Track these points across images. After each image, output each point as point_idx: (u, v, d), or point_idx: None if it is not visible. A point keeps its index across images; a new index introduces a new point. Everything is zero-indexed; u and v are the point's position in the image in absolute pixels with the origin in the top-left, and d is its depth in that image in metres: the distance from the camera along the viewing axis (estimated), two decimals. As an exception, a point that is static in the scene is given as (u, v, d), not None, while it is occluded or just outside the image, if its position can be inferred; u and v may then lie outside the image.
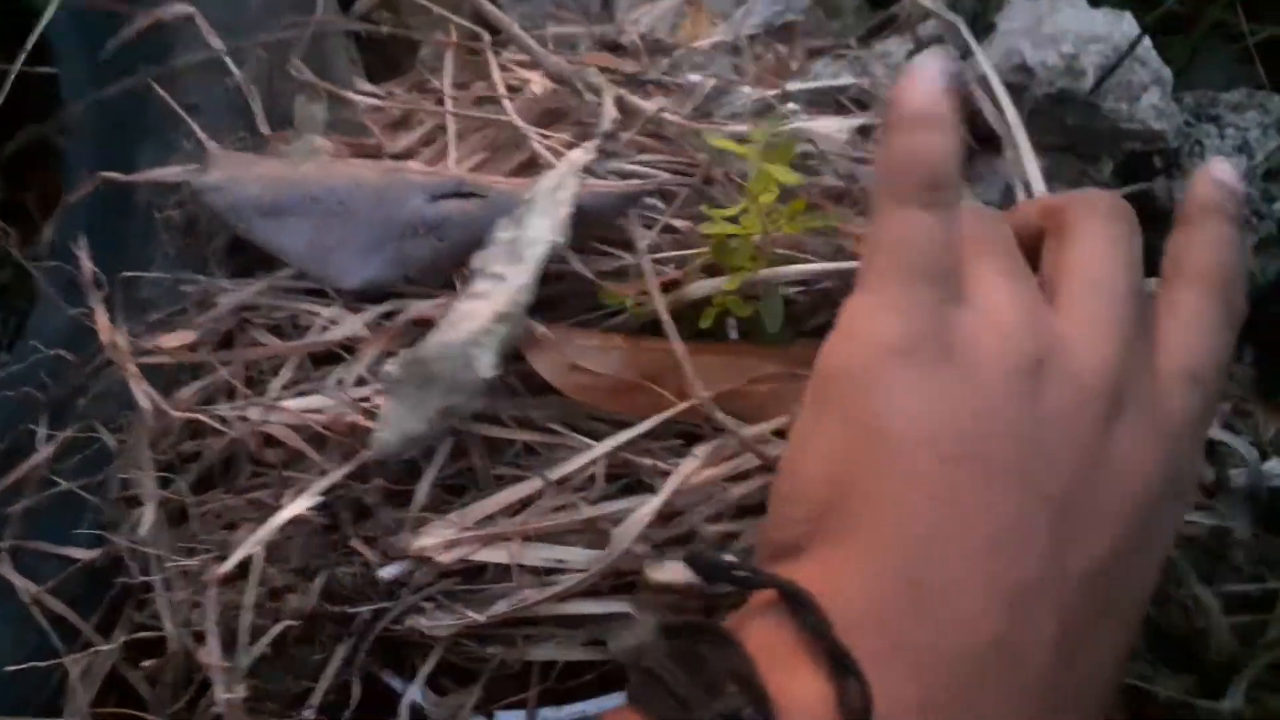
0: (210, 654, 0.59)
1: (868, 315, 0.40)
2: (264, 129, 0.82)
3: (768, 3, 0.91)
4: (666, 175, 0.68)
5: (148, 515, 0.67)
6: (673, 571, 0.56)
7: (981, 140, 0.74)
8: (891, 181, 0.40)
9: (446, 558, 0.58)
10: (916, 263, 0.39)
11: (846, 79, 0.87)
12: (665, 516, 0.58)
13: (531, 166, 0.75)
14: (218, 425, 0.66)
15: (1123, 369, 0.39)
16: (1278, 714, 0.66)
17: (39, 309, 0.82)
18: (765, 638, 0.36)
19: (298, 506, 0.59)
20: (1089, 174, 0.92)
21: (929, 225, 0.39)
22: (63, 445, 0.73)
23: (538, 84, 0.77)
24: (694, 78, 0.75)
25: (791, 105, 0.71)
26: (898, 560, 0.35)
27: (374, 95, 0.86)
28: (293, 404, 0.63)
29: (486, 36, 0.82)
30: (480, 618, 0.58)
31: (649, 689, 0.37)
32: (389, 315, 0.66)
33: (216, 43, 0.84)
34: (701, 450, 0.58)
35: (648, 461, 0.60)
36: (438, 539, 0.58)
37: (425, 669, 0.60)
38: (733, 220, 0.62)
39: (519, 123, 0.72)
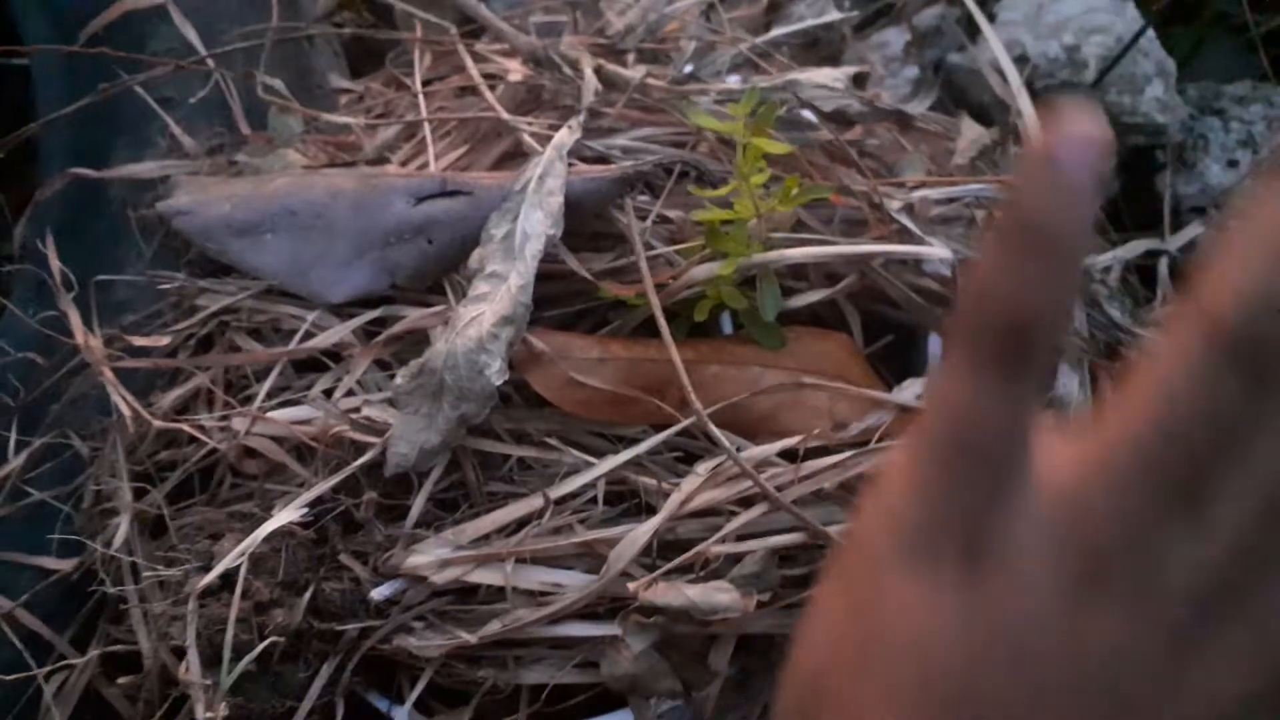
0: (190, 670, 0.56)
1: (896, 484, 0.31)
2: (243, 127, 0.79)
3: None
4: (657, 152, 0.65)
5: (123, 526, 0.65)
6: (666, 594, 0.53)
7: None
8: (975, 322, 0.28)
9: (440, 578, 0.56)
10: (966, 441, 0.29)
11: (833, 14, 0.83)
12: (665, 542, 0.55)
13: (515, 156, 0.73)
14: (199, 434, 0.64)
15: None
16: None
17: (9, 311, 0.79)
18: None
19: (284, 517, 0.57)
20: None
21: (997, 397, 0.28)
22: (35, 453, 0.71)
23: (516, 72, 0.74)
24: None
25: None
26: None
27: (351, 92, 0.84)
28: (279, 414, 0.60)
29: (453, 29, 0.80)
30: (472, 638, 0.56)
31: None
32: (379, 321, 0.64)
33: (191, 34, 0.81)
34: (704, 468, 0.56)
35: (648, 480, 0.57)
36: (431, 558, 0.56)
37: (415, 691, 0.58)
38: (724, 203, 0.60)
39: (500, 110, 0.69)
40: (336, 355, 0.65)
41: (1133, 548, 0.27)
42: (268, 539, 0.59)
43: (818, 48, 0.89)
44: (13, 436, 0.71)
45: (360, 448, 0.60)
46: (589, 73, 0.65)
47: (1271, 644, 0.27)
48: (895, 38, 0.98)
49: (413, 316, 0.61)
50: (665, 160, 0.61)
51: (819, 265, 0.63)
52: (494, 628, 0.56)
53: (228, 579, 0.58)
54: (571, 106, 0.68)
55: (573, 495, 0.59)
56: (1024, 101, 0.71)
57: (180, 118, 0.79)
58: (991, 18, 0.94)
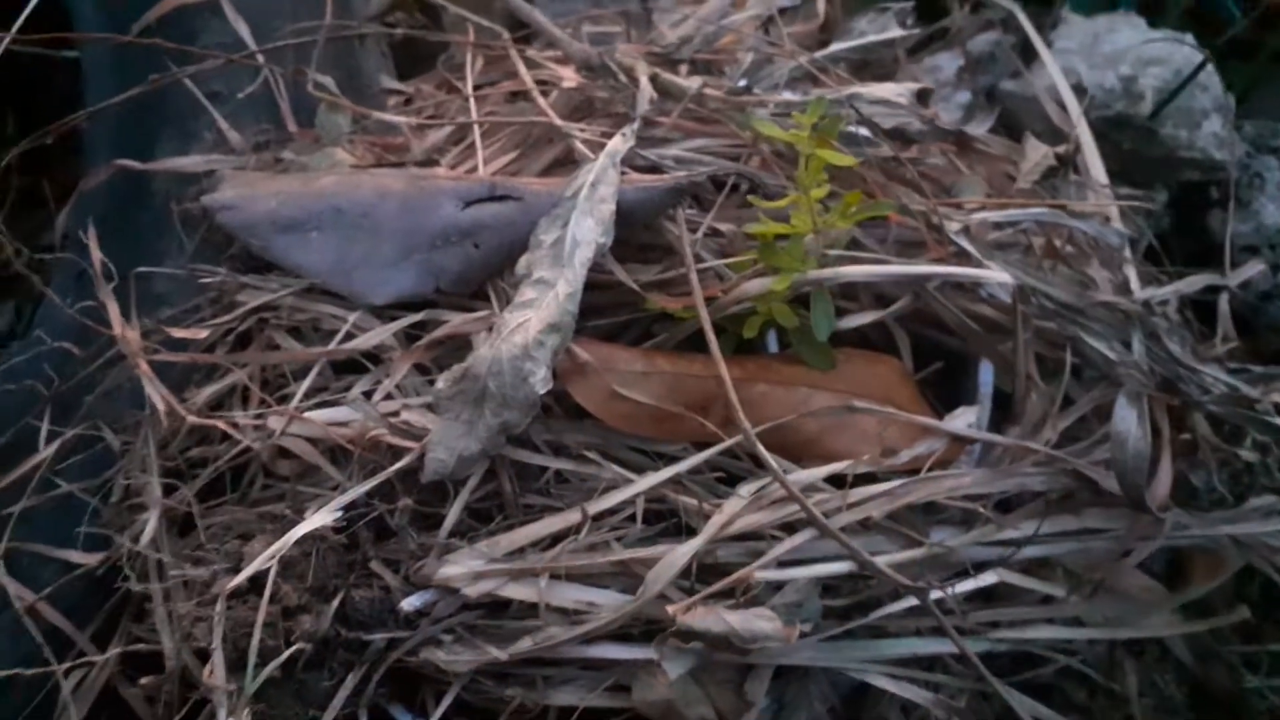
0: (215, 675, 0.55)
1: None
2: (290, 124, 0.79)
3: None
4: (711, 163, 0.63)
5: (152, 522, 0.64)
6: (705, 619, 0.52)
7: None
8: None
9: (473, 590, 0.54)
10: None
11: (894, 31, 0.82)
12: (704, 565, 0.54)
13: (565, 162, 0.72)
14: (233, 432, 0.63)
15: None
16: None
17: (48, 300, 0.79)
18: None
19: (317, 521, 0.56)
20: (1138, 197, 0.88)
21: None
22: (66, 444, 0.70)
23: (569, 78, 0.73)
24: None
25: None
26: None
27: (401, 93, 0.83)
28: (317, 415, 0.59)
29: (505, 34, 0.79)
30: (503, 655, 0.54)
31: None
32: (420, 325, 0.63)
33: (243, 29, 0.81)
34: (747, 490, 0.55)
35: (688, 499, 0.56)
36: (465, 569, 0.55)
37: (441, 707, 0.56)
38: (780, 216, 0.58)
39: (553, 116, 0.68)
40: (376, 357, 0.64)
41: None
42: (298, 542, 0.57)
43: (869, 68, 0.87)
44: (44, 426, 0.70)
45: (397, 452, 0.58)
46: (644, 81, 0.64)
47: None
48: (948, 62, 0.97)
49: (455, 321, 0.60)
50: (720, 172, 0.60)
51: (869, 285, 0.61)
52: (525, 645, 0.55)
53: (256, 581, 0.57)
54: (624, 114, 0.67)
55: (610, 512, 0.57)
56: (1084, 131, 0.70)
57: (227, 112, 0.79)
58: (1046, 45, 0.92)
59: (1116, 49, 0.92)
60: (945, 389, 0.65)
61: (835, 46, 0.72)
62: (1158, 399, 0.58)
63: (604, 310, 0.64)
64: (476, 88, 0.73)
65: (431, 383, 0.62)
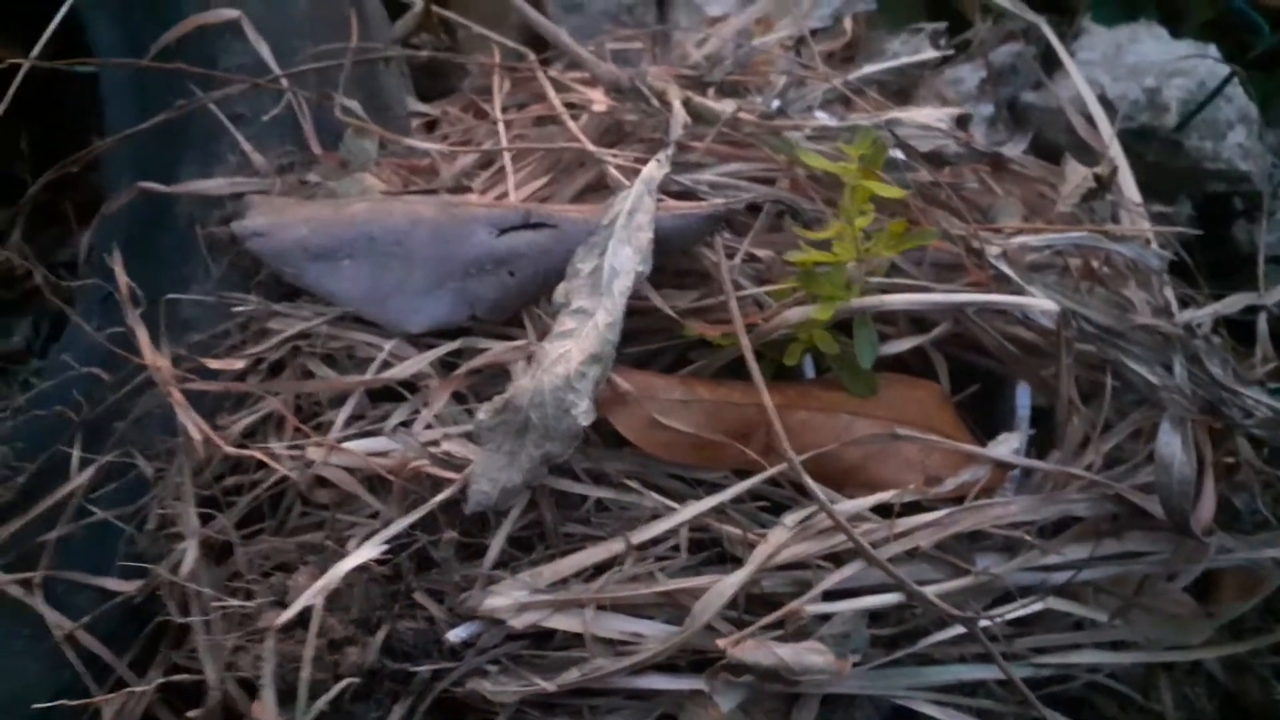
0: (266, 709, 0.55)
1: None
2: (314, 147, 0.79)
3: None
4: (748, 188, 0.63)
5: (191, 552, 0.63)
6: (755, 651, 0.52)
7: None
8: None
9: (518, 622, 0.54)
10: None
11: (928, 53, 0.82)
12: (750, 595, 0.54)
13: (598, 188, 0.72)
14: (270, 461, 0.62)
15: None
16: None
17: (72, 323, 0.78)
18: None
19: (363, 554, 0.55)
20: (1167, 215, 0.88)
21: None
22: (98, 471, 0.70)
23: (600, 102, 0.73)
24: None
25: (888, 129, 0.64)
26: None
27: (423, 115, 0.83)
28: (356, 445, 0.59)
29: (532, 56, 0.79)
30: (550, 686, 0.54)
31: None
32: (455, 353, 0.63)
33: (264, 51, 0.80)
34: (791, 519, 0.55)
35: (731, 529, 0.56)
36: (510, 600, 0.54)
37: (488, 737, 0.56)
38: (823, 245, 0.59)
39: (586, 142, 0.68)
40: (411, 385, 0.64)
41: None
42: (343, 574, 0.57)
43: (890, 83, 0.87)
44: (76, 453, 0.70)
45: (437, 482, 0.58)
46: (677, 105, 0.63)
47: None
48: (969, 74, 0.97)
49: (495, 350, 0.60)
50: (759, 198, 0.59)
51: (908, 310, 0.61)
52: (572, 676, 0.55)
53: (301, 614, 0.57)
54: (655, 139, 0.66)
55: (653, 541, 0.57)
56: (1114, 145, 0.70)
57: (251, 134, 0.78)
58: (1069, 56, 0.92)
59: (1140, 60, 0.92)
60: (978, 411, 0.65)
61: (868, 68, 0.72)
62: (1200, 421, 0.58)
63: (638, 336, 0.63)
64: (503, 110, 0.73)
65: (469, 411, 0.62)
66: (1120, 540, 0.58)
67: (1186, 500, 0.55)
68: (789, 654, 0.51)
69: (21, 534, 0.68)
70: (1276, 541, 0.58)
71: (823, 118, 0.65)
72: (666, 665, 0.55)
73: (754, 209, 0.62)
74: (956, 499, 0.56)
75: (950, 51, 0.79)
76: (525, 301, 0.63)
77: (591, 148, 0.67)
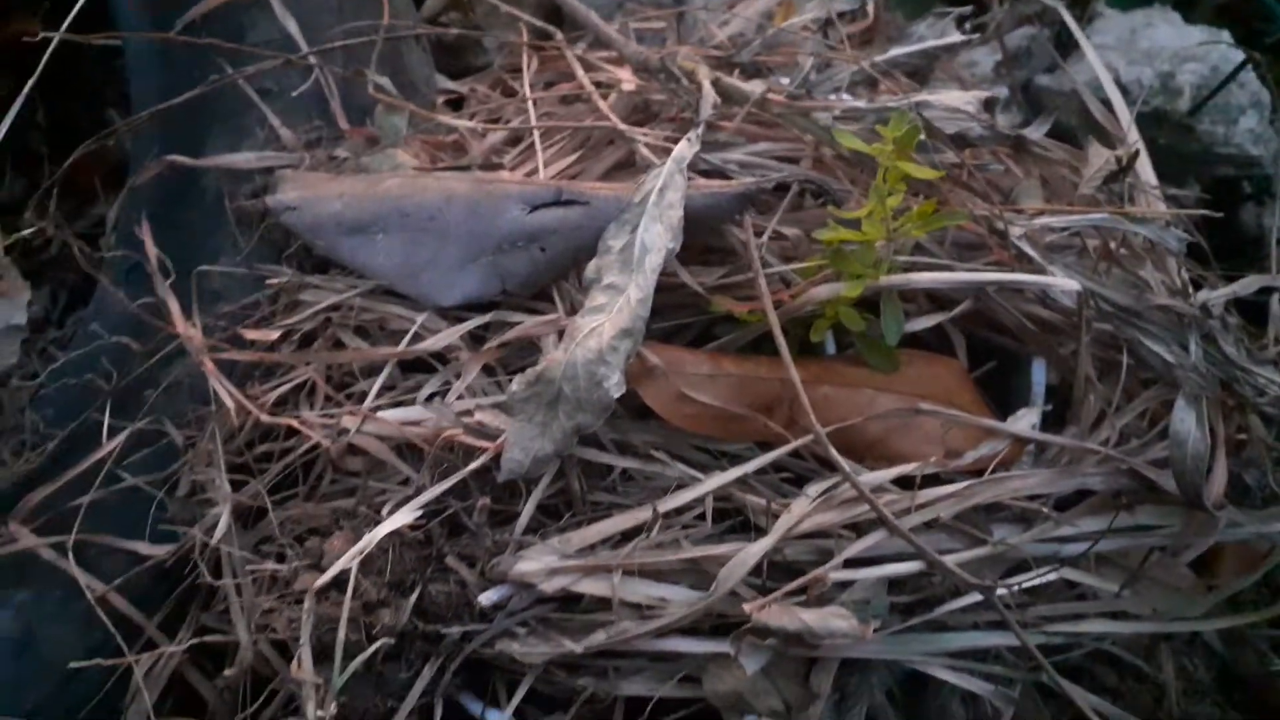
0: (303, 669, 0.56)
1: None
2: (341, 122, 0.79)
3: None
4: (777, 167, 0.64)
5: (224, 516, 0.65)
6: (780, 617, 0.53)
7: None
8: None
9: (548, 586, 0.56)
10: None
11: (954, 36, 0.83)
12: (773, 563, 0.55)
13: (627, 166, 0.73)
14: (303, 429, 0.64)
15: None
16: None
17: (99, 293, 0.79)
18: None
19: (398, 520, 0.57)
20: (1176, 198, 0.89)
21: None
22: (129, 438, 0.71)
23: (629, 81, 0.74)
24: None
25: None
26: None
27: (450, 93, 0.83)
28: (391, 414, 0.61)
29: (559, 34, 0.79)
30: (577, 648, 0.56)
31: None
32: (484, 326, 0.64)
33: (292, 26, 0.81)
34: (814, 490, 0.56)
35: (754, 499, 0.57)
36: (540, 565, 0.56)
37: (516, 697, 0.58)
38: (852, 224, 0.60)
39: (616, 121, 0.69)
40: (442, 357, 0.65)
41: None
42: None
43: (906, 64, 0.88)
44: (106, 420, 0.71)
45: (469, 451, 0.60)
46: (707, 85, 0.64)
47: None
48: (984, 57, 0.98)
49: (526, 324, 0.61)
50: (788, 178, 0.61)
51: (930, 288, 0.62)
52: (599, 638, 0.56)
53: (336, 577, 0.58)
54: (683, 118, 0.67)
55: (679, 510, 0.59)
56: (1131, 129, 0.71)
57: (278, 109, 0.79)
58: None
59: (1154, 44, 0.93)
60: (993, 387, 0.67)
61: (895, 51, 0.73)
62: (1213, 399, 0.60)
63: (664, 312, 0.65)
64: (530, 89, 0.74)
65: (498, 383, 0.64)
66: (1132, 514, 0.59)
67: (1200, 475, 0.57)
68: (813, 619, 0.53)
69: (54, 499, 0.70)
70: (1285, 517, 0.60)
71: (849, 99, 0.67)
72: (690, 629, 0.57)
73: (780, 188, 0.63)
74: (975, 472, 0.58)
75: (974, 35, 0.80)
76: (555, 277, 0.64)
77: (623, 126, 0.68)
